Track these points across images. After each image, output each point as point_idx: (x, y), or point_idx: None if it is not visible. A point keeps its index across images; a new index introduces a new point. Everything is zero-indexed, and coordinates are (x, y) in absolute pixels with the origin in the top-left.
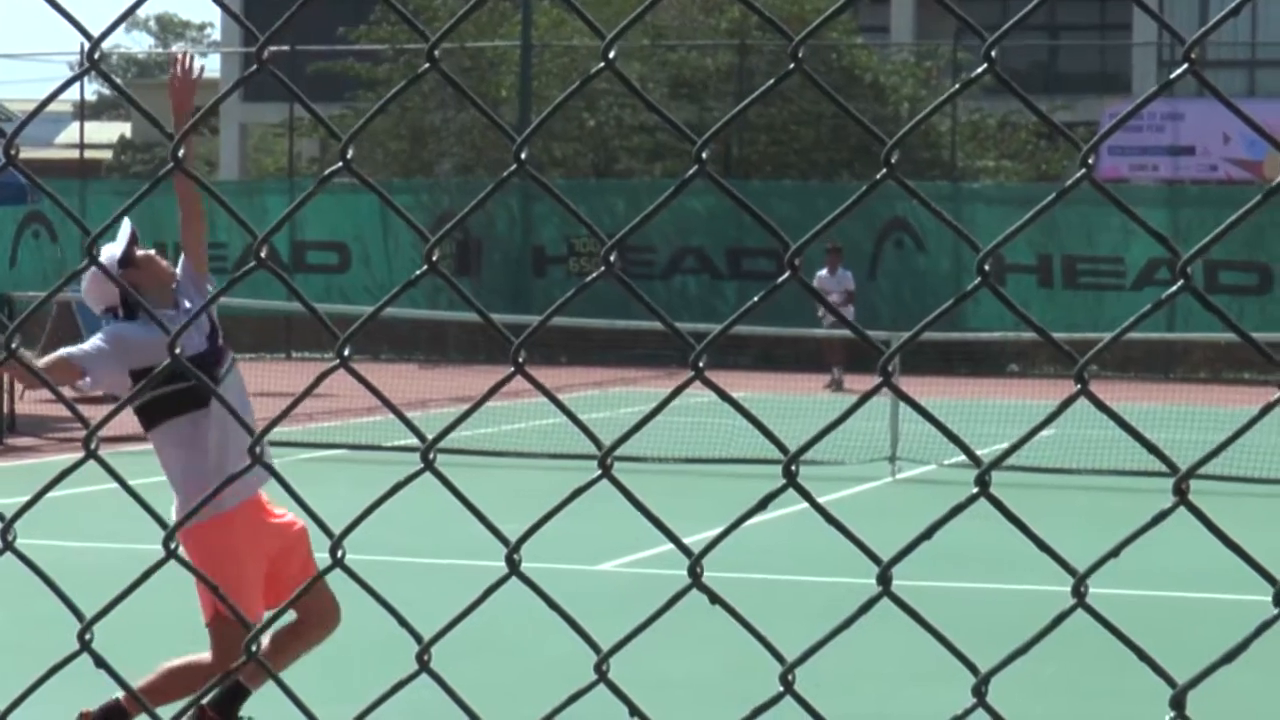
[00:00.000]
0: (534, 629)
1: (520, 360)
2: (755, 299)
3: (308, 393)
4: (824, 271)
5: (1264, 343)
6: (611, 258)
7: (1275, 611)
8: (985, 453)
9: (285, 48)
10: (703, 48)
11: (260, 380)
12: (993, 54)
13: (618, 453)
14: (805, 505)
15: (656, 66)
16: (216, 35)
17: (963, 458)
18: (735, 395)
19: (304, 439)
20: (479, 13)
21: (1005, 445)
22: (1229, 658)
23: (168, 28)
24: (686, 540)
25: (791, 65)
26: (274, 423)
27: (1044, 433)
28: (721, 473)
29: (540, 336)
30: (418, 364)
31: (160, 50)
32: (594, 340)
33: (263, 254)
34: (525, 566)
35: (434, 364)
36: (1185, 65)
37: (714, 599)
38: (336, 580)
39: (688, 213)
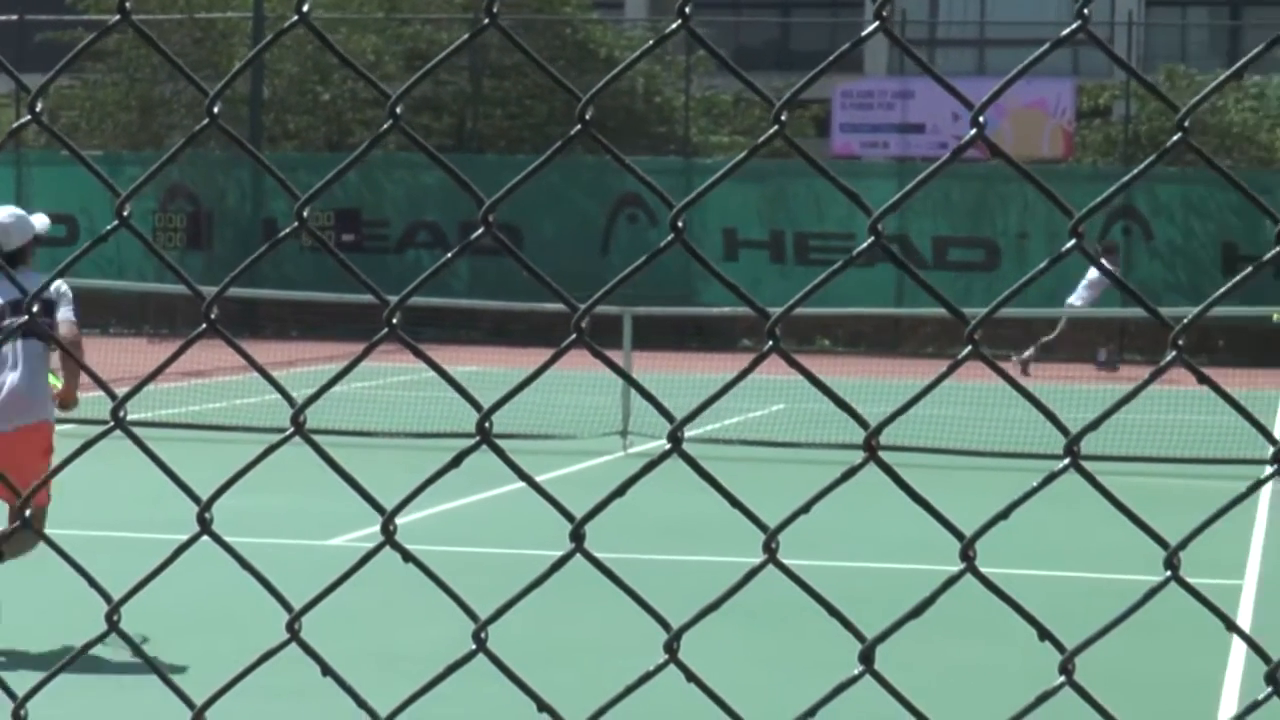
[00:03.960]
0: (264, 606)
1: (212, 317)
2: (443, 259)
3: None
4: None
5: (991, 318)
6: (305, 213)
7: (962, 566)
8: (716, 426)
9: (12, 17)
10: (437, 21)
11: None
12: (686, 10)
13: (352, 428)
14: (548, 478)
15: (392, 40)
16: None
17: (694, 431)
18: (466, 369)
19: None
20: None
21: (736, 419)
22: (916, 613)
23: None
24: (414, 515)
25: (486, 20)
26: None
27: (774, 406)
28: (450, 447)
29: (271, 310)
30: (146, 337)
31: None
32: (327, 314)
33: None
34: (257, 542)
35: (163, 337)
36: (876, 24)
37: (407, 557)
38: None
39: (421, 187)
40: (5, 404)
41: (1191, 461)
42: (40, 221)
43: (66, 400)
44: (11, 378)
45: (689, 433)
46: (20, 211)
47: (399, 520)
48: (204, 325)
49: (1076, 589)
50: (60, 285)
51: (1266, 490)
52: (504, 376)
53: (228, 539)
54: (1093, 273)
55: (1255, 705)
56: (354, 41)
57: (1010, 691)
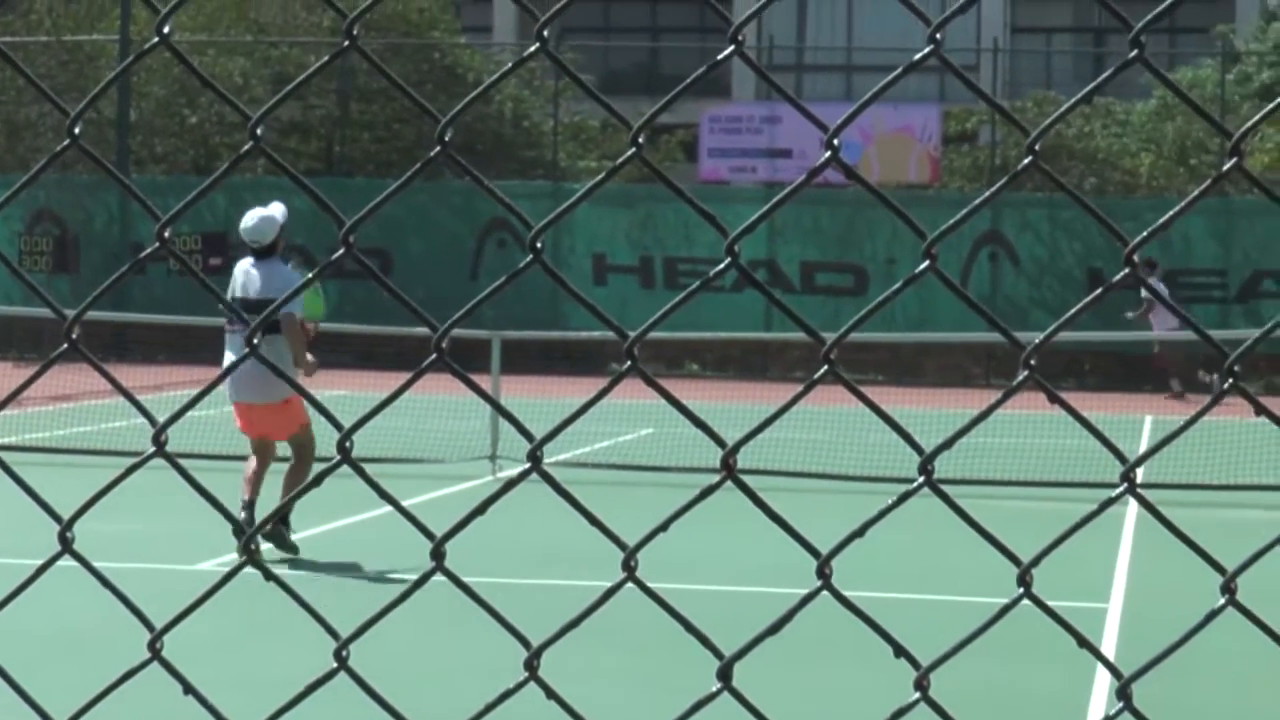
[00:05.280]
0: (133, 632)
1: (74, 337)
2: (304, 279)
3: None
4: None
5: (859, 343)
6: (166, 234)
7: (818, 584)
8: (585, 450)
9: None
10: (305, 45)
11: None
12: (545, 34)
13: (220, 452)
14: (417, 502)
15: (259, 63)
16: None
17: (563, 455)
18: (334, 393)
19: None
20: (78, 5)
21: (605, 444)
22: (773, 630)
23: None
24: (298, 535)
25: (345, 43)
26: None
27: (643, 430)
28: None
29: (140, 334)
30: (12, 362)
31: None
32: (196, 338)
33: None
34: (123, 567)
35: (29, 362)
36: (731, 48)
37: (268, 576)
38: None
39: (291, 211)
40: (240, 383)
41: (1052, 485)
42: (279, 210)
43: (302, 368)
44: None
45: (557, 456)
46: (264, 211)
47: (266, 545)
48: (65, 345)
49: (937, 612)
50: (287, 280)
51: (1131, 515)
52: (371, 400)
53: (94, 564)
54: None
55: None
56: (221, 65)
57: (870, 711)
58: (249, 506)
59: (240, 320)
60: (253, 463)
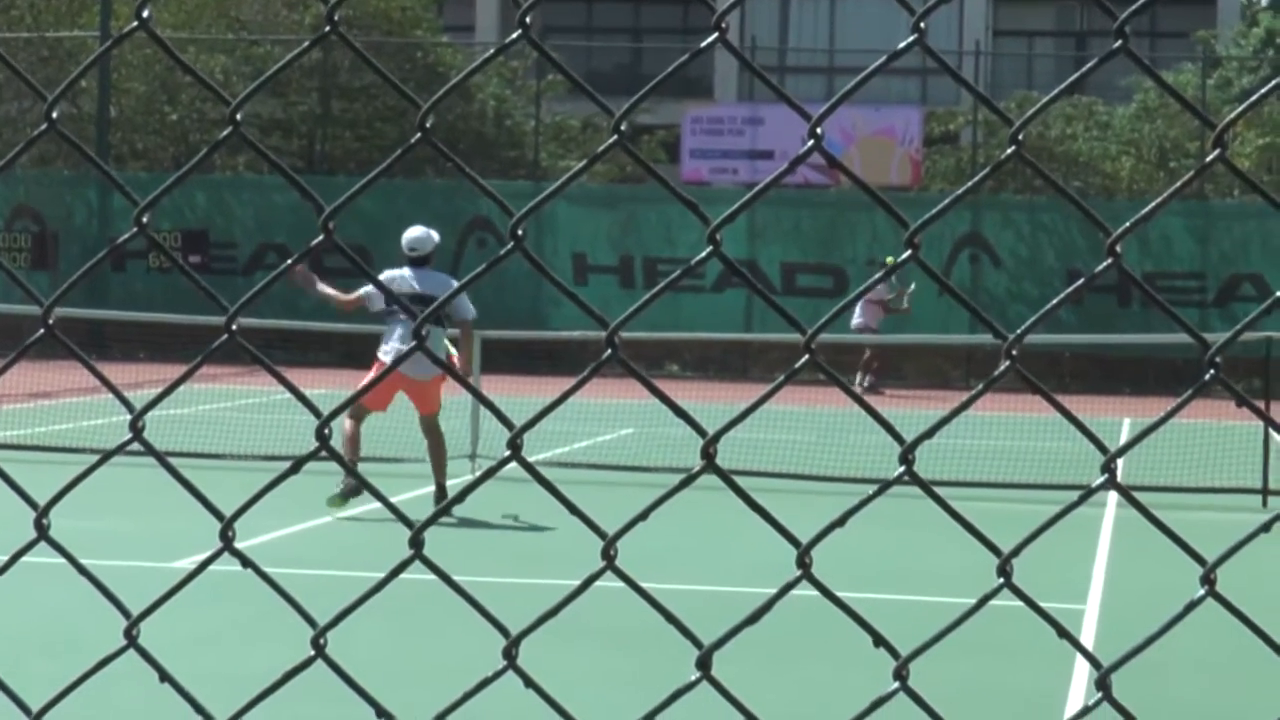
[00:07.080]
0: (112, 628)
1: (50, 322)
2: (285, 263)
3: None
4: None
5: (838, 344)
6: (145, 219)
7: (798, 573)
8: (565, 450)
9: None
10: (287, 42)
11: None
12: (527, 20)
13: (200, 449)
14: (396, 500)
15: (240, 60)
16: None
17: (543, 454)
18: (316, 391)
19: None
20: (59, 1)
21: (585, 443)
22: (753, 619)
23: None
24: (263, 538)
25: (327, 28)
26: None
27: (623, 430)
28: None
29: (119, 331)
30: None
31: None
32: (177, 336)
33: None
34: (101, 563)
35: (5, 358)
36: (715, 35)
37: (245, 564)
38: None
39: (272, 208)
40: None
41: (1031, 487)
42: (435, 235)
43: (461, 369)
44: (399, 345)
45: (538, 456)
46: (426, 229)
47: (247, 542)
48: (41, 330)
49: (917, 611)
50: (443, 282)
51: (1109, 519)
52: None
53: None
54: (876, 293)
55: (1087, 710)
56: (202, 62)
57: (851, 709)
58: (355, 465)
59: (406, 310)
60: (348, 424)
